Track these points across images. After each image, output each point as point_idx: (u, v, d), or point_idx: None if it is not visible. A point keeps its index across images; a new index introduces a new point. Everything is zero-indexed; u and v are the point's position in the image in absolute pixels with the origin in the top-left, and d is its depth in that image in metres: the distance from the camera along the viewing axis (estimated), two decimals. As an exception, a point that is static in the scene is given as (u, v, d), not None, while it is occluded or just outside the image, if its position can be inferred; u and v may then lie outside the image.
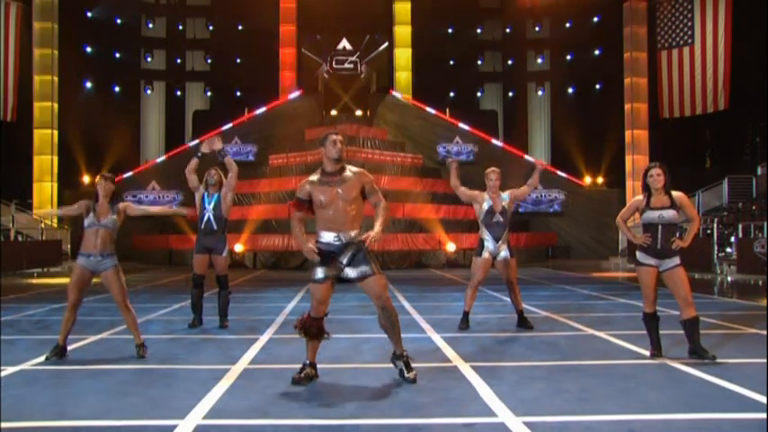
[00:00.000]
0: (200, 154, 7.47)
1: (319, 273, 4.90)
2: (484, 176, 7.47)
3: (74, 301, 5.89)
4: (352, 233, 4.89)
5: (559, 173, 29.94)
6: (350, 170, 4.97)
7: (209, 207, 7.69)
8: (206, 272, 7.87)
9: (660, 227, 5.66)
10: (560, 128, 33.06)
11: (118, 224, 5.96)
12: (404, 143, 29.50)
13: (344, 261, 4.87)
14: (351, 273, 4.89)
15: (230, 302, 8.05)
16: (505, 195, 7.47)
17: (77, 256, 5.95)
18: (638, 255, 5.79)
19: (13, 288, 13.50)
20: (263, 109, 31.01)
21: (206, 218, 7.70)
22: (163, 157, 30.68)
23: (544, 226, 27.76)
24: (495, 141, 31.19)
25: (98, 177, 6.05)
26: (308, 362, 5.01)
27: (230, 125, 30.56)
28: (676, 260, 5.69)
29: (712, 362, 5.50)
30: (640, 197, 5.86)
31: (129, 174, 29.23)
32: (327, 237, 4.89)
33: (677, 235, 5.73)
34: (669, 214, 5.67)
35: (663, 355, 5.67)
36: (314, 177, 4.95)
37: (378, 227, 4.87)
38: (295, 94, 31.81)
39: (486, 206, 7.39)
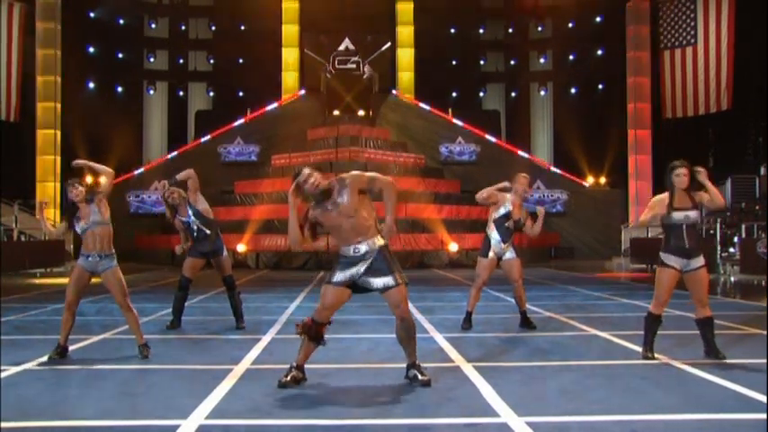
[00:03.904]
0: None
1: (336, 275, 4.83)
2: (514, 179, 7.40)
3: (70, 300, 5.90)
4: (370, 242, 4.79)
5: (562, 173, 29.94)
6: (339, 185, 4.77)
7: (192, 219, 7.60)
8: (194, 276, 7.84)
9: (685, 227, 5.59)
10: (563, 128, 33.04)
11: (107, 215, 5.91)
12: (406, 143, 29.50)
13: (362, 270, 4.79)
14: (374, 283, 4.80)
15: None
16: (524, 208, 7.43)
17: (78, 257, 5.96)
18: (663, 255, 5.66)
19: (16, 288, 13.52)
20: (265, 109, 31.02)
21: (195, 228, 7.63)
22: (174, 153, 30.47)
23: (546, 226, 27.46)
24: (497, 141, 31.18)
25: (66, 186, 5.93)
26: (295, 364, 4.89)
27: (233, 125, 30.59)
28: (701, 260, 5.65)
29: (716, 362, 5.49)
30: (663, 196, 5.68)
31: (131, 174, 29.30)
32: (347, 250, 4.82)
33: (701, 234, 5.71)
34: (694, 215, 5.59)
35: (654, 357, 5.66)
36: (312, 204, 4.85)
37: (389, 218, 4.82)
38: (297, 95, 31.80)
39: (503, 210, 7.31)
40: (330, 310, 4.89)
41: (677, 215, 5.60)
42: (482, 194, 7.35)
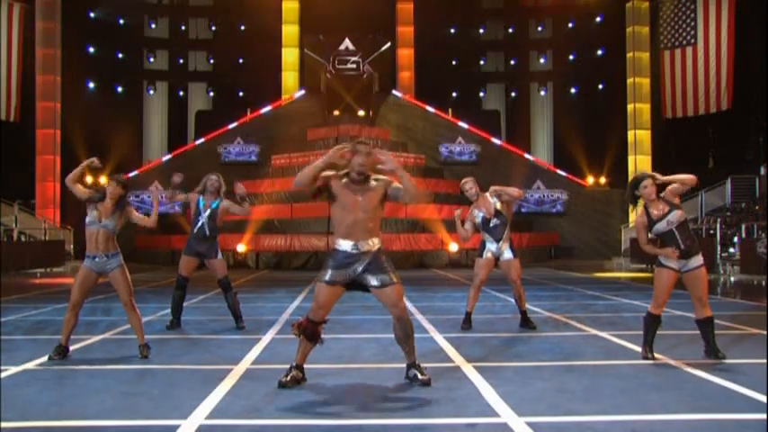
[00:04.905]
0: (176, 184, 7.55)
1: (329, 274, 4.83)
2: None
3: (75, 300, 5.90)
4: (370, 242, 4.82)
5: (562, 173, 29.94)
6: (375, 179, 4.87)
7: (204, 214, 7.59)
8: (191, 274, 7.84)
9: (675, 229, 5.58)
10: (563, 128, 33.07)
11: (118, 227, 5.96)
12: (406, 143, 29.51)
13: (359, 269, 4.80)
14: (371, 280, 4.81)
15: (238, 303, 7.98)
16: (494, 198, 7.46)
17: (84, 259, 5.96)
18: (661, 257, 5.67)
19: (16, 288, 13.52)
20: (265, 109, 31.02)
21: (200, 224, 7.61)
22: (168, 156, 30.59)
23: (546, 226, 27.74)
24: (497, 141, 31.19)
25: (108, 179, 6.00)
26: (294, 364, 4.90)
27: (233, 125, 30.60)
28: (700, 260, 5.63)
29: (716, 362, 5.49)
30: (642, 218, 5.69)
31: (132, 174, 29.29)
32: (345, 245, 4.82)
33: (692, 230, 5.68)
34: (675, 216, 5.57)
35: (654, 357, 5.65)
36: (342, 177, 4.86)
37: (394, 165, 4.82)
38: (297, 95, 31.81)
39: (479, 219, 7.45)
40: (325, 308, 4.90)
41: (660, 225, 5.61)
42: (465, 237, 7.42)
